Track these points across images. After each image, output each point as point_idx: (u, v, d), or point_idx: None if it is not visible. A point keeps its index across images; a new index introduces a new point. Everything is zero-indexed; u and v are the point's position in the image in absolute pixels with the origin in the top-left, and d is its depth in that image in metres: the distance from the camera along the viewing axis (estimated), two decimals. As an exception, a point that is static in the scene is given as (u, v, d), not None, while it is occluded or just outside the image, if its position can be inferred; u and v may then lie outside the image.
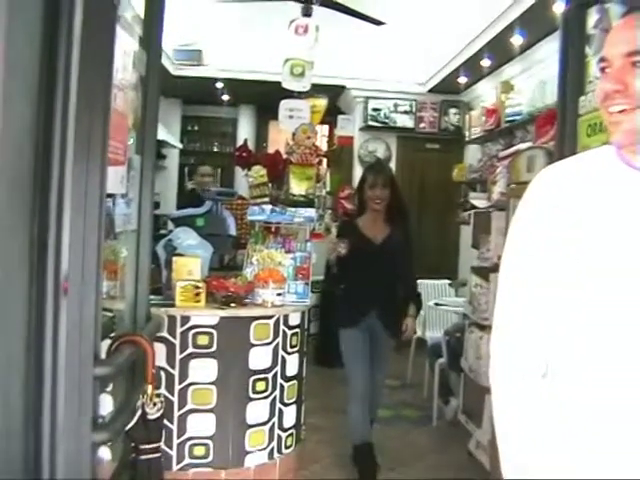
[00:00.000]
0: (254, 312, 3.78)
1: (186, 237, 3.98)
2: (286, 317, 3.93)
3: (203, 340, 3.63)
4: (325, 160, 6.89)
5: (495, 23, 5.73)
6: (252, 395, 3.74)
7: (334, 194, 8.28)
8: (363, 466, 4.02)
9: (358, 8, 5.55)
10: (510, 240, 1.59)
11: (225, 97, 9.33)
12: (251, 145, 9.72)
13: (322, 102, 5.54)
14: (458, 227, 8.38)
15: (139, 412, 1.99)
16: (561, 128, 2.86)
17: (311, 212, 4.57)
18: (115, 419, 1.87)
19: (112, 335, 2.09)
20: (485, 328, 4.40)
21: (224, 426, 3.67)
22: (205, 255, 3.99)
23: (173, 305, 3.59)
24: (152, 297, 2.88)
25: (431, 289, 6.70)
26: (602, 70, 1.41)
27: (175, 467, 3.59)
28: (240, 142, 9.58)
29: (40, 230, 1.61)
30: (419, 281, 5.08)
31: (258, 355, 3.77)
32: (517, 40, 5.67)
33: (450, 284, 6.84)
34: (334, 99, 8.27)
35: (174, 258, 3.79)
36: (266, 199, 4.59)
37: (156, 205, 4.76)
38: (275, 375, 3.85)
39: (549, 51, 5.59)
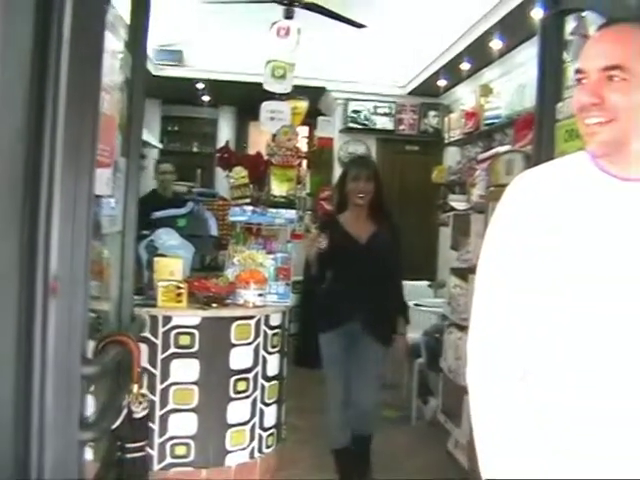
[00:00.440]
0: (235, 312, 3.82)
1: (168, 238, 4.00)
2: (267, 317, 3.96)
3: (185, 340, 3.66)
4: (305, 161, 6.92)
5: (475, 27, 5.79)
6: (233, 395, 3.77)
7: (314, 195, 8.33)
8: (344, 470, 3.95)
9: (339, 11, 5.58)
10: (487, 243, 1.63)
11: (206, 98, 9.33)
12: (231, 146, 9.72)
13: (303, 104, 5.56)
14: (437, 229, 8.44)
15: (125, 411, 2.01)
16: (539, 133, 2.92)
17: (292, 213, 4.62)
18: (102, 418, 1.89)
19: (98, 335, 2.11)
20: (464, 329, 4.46)
21: (205, 426, 3.69)
22: (187, 256, 4.02)
23: (155, 305, 3.61)
24: (134, 297, 2.90)
25: (410, 290, 6.74)
26: (578, 81, 1.46)
27: (156, 467, 3.61)
28: (220, 143, 9.59)
29: (30, 232, 1.63)
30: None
31: (239, 355, 3.81)
32: (496, 44, 5.73)
33: (429, 285, 6.90)
34: (314, 101, 8.29)
35: (156, 259, 3.81)
36: (247, 200, 4.61)
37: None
38: (256, 375, 3.89)
39: (528, 55, 5.66)
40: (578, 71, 1.46)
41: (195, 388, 3.67)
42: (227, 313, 3.77)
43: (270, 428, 4.01)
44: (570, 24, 2.91)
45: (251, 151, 8.64)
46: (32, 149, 1.66)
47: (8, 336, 1.50)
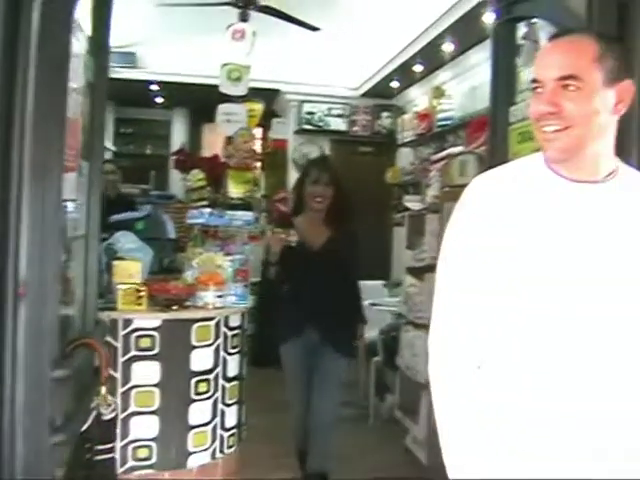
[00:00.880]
0: (196, 314, 3.82)
1: (126, 241, 3.99)
2: (227, 319, 3.98)
3: (145, 343, 3.65)
4: (259, 163, 6.96)
5: (427, 31, 5.92)
6: (194, 396, 3.78)
7: (269, 197, 8.36)
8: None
9: (294, 14, 5.64)
10: (445, 244, 1.69)
11: (159, 100, 9.30)
12: (186, 147, 9.70)
13: (259, 106, 5.61)
14: (391, 229, 8.56)
15: (94, 413, 2.03)
16: (492, 135, 3.01)
17: (249, 215, 4.65)
18: (71, 421, 1.91)
19: (64, 339, 2.12)
20: (420, 327, 4.55)
21: (167, 428, 3.70)
22: (145, 259, 4.01)
23: (115, 308, 3.60)
24: (95, 301, 2.90)
25: (366, 290, 6.82)
26: (534, 90, 1.54)
27: (119, 470, 3.59)
28: (174, 145, 9.57)
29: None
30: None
31: (200, 356, 3.81)
32: (448, 47, 5.87)
33: (384, 285, 6.99)
34: (268, 102, 8.34)
35: (115, 262, 3.79)
36: (205, 202, 4.63)
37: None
38: (217, 376, 3.90)
39: (479, 58, 5.81)
40: (534, 81, 1.53)
41: (156, 390, 3.67)
42: (187, 315, 3.78)
43: (231, 428, 4.03)
44: (521, 29, 3.01)
45: (205, 153, 8.65)
46: (0, 154, 1.68)
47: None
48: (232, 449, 4.04)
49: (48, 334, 1.78)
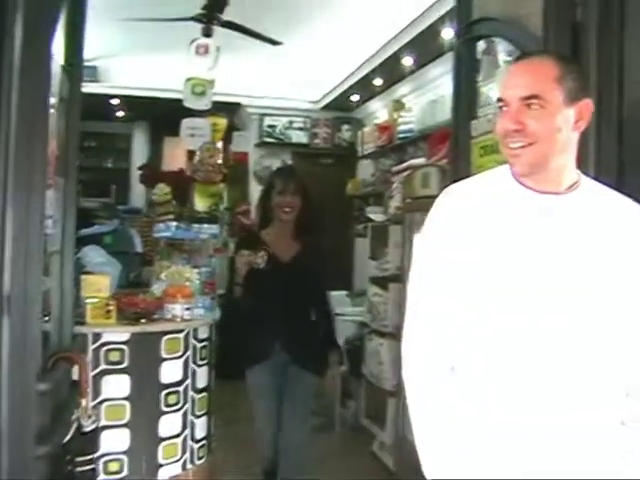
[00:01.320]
0: (165, 327, 3.85)
1: (94, 255, 4.01)
2: (195, 331, 4.01)
3: (115, 356, 3.67)
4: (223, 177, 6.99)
5: (387, 46, 6.04)
6: (164, 408, 3.81)
7: (231, 210, 8.40)
8: None
9: (256, 29, 5.71)
10: (416, 254, 1.78)
11: (120, 113, 9.28)
12: (146, 160, 9.70)
13: (223, 121, 5.67)
14: (353, 239, 8.66)
15: (74, 425, 2.06)
16: (455, 149, 3.12)
17: (215, 228, 4.70)
18: (54, 433, 1.94)
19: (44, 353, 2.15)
20: (385, 335, 4.65)
21: (138, 440, 3.71)
22: (114, 273, 4.03)
23: (84, 323, 3.61)
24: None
25: (330, 300, 6.90)
26: (500, 109, 1.63)
27: (90, 484, 3.61)
28: (135, 158, 9.55)
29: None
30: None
31: (169, 369, 3.84)
32: (408, 62, 6.00)
33: (347, 295, 7.06)
34: (230, 116, 8.40)
35: (83, 276, 3.80)
36: (171, 216, 4.67)
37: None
38: (186, 388, 3.93)
39: (438, 72, 5.96)
40: (500, 100, 1.63)
41: (127, 404, 3.68)
42: (156, 328, 3.81)
43: (201, 440, 4.06)
44: (481, 44, 3.12)
45: (166, 166, 8.66)
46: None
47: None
48: (202, 460, 4.07)
49: (32, 348, 1.81)
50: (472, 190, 1.72)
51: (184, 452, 3.91)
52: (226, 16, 5.51)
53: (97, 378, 3.62)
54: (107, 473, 3.64)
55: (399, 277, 4.38)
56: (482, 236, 1.63)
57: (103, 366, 3.63)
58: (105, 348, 3.64)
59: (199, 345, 4.03)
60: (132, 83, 7.93)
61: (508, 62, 2.79)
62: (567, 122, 1.59)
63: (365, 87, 7.40)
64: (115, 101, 8.60)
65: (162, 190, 4.68)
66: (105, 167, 10.50)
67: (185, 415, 3.92)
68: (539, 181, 1.63)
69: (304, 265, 3.54)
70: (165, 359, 3.82)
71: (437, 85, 6.09)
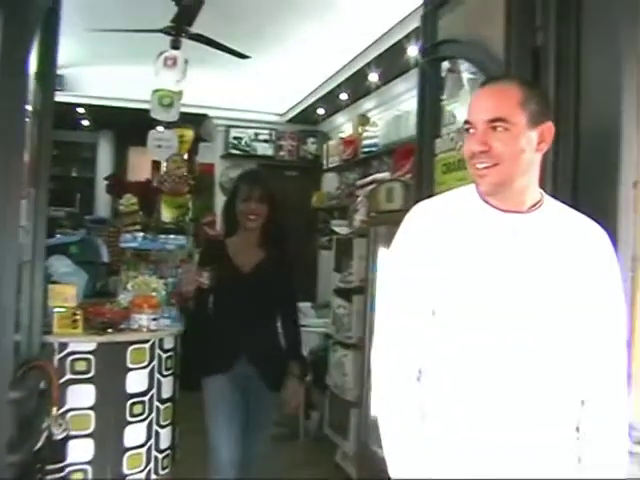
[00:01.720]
0: (131, 337, 3.86)
1: (60, 265, 4.01)
2: (161, 341, 4.03)
3: (81, 366, 3.66)
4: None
5: (354, 61, 6.14)
6: (130, 418, 3.81)
7: (196, 221, 8.40)
8: None
9: (224, 41, 5.76)
10: (385, 271, 1.86)
11: (85, 122, 9.25)
12: (111, 170, 9.66)
13: (190, 132, 5.69)
14: (317, 252, 8.72)
15: (45, 433, 2.08)
16: (419, 166, 3.21)
17: (182, 239, 4.73)
18: (25, 440, 1.96)
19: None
20: (349, 346, 4.72)
21: (103, 450, 3.71)
22: (80, 282, 4.03)
23: (50, 332, 3.61)
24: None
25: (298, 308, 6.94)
26: (467, 131, 1.71)
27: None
28: (100, 167, 9.51)
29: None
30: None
31: (135, 379, 3.85)
32: (373, 77, 6.11)
33: (312, 306, 7.12)
34: (196, 127, 8.43)
35: (50, 286, 3.80)
36: (138, 227, 4.68)
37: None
38: (151, 398, 3.94)
39: (403, 89, 6.08)
40: (467, 122, 1.71)
41: (92, 413, 3.67)
42: (123, 338, 3.81)
43: (165, 450, 4.07)
44: (445, 63, 3.22)
45: (131, 176, 8.65)
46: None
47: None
48: (166, 470, 4.08)
49: (5, 357, 1.84)
50: (439, 208, 1.79)
51: (148, 462, 3.92)
52: (195, 29, 5.55)
53: (62, 387, 3.60)
54: (71, 483, 3.64)
55: (363, 289, 4.46)
56: (448, 254, 1.69)
57: (69, 376, 3.63)
58: (71, 358, 3.64)
59: (164, 355, 4.05)
60: (98, 92, 7.93)
61: (472, 80, 2.89)
62: (530, 144, 1.67)
63: (331, 101, 7.49)
64: (81, 110, 8.57)
65: (129, 200, 4.70)
66: (70, 176, 10.42)
67: (150, 425, 3.93)
68: (503, 200, 1.71)
69: (269, 273, 3.39)
70: (131, 369, 3.83)
71: (402, 101, 6.20)
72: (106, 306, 3.98)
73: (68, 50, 6.55)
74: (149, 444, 3.93)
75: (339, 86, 6.82)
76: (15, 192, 1.84)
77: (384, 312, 1.81)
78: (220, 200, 8.44)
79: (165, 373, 4.06)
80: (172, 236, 4.66)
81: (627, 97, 2.02)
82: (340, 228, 5.65)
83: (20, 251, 2.48)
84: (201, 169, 8.99)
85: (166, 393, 4.08)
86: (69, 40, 6.17)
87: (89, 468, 3.68)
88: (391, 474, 1.72)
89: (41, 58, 2.58)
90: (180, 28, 5.47)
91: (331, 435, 4.91)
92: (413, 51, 5.00)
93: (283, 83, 7.49)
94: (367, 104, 7.26)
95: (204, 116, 8.74)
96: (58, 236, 4.88)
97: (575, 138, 2.19)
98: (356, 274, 4.74)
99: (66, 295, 3.80)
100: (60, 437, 2.10)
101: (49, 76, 2.61)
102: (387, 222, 4.08)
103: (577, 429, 1.70)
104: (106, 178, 5.91)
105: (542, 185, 1.80)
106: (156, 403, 3.98)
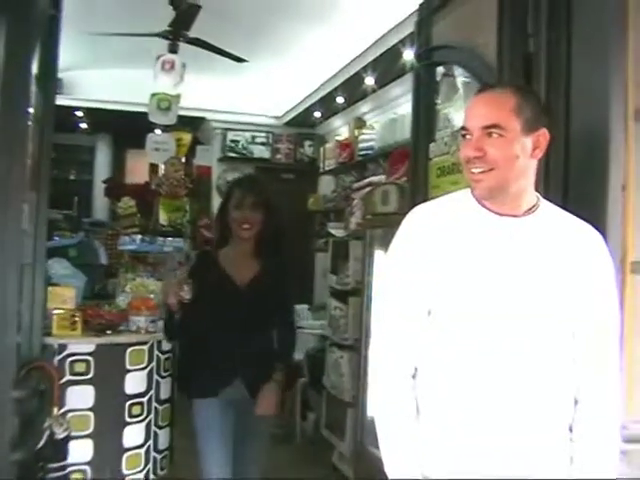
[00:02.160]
0: (129, 339, 3.91)
1: (60, 267, 4.06)
2: (159, 343, 4.07)
3: (80, 367, 3.71)
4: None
5: (350, 65, 6.19)
6: (128, 419, 3.85)
7: (193, 223, 8.45)
8: None
9: (222, 46, 5.81)
10: (383, 274, 1.90)
11: (83, 125, 9.29)
12: (109, 173, 9.70)
13: (187, 136, 5.76)
14: (313, 254, 8.75)
15: (47, 433, 2.12)
16: (414, 169, 3.25)
17: (179, 241, 4.78)
18: (27, 439, 2.01)
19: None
20: (345, 348, 4.75)
21: (102, 451, 3.75)
22: (79, 285, 4.08)
23: (50, 334, 3.65)
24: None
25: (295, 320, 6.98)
26: (463, 137, 1.75)
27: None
28: (98, 170, 9.55)
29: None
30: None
31: (134, 380, 3.89)
32: (370, 81, 6.16)
33: (309, 308, 7.15)
34: (193, 130, 8.48)
35: (49, 288, 3.84)
36: (136, 229, 4.73)
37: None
38: (150, 399, 3.98)
39: (399, 92, 6.13)
40: (463, 128, 1.75)
41: (91, 414, 3.72)
42: (121, 339, 3.86)
43: (164, 450, 4.11)
44: (440, 67, 3.26)
45: (129, 179, 8.69)
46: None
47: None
48: (164, 471, 4.12)
49: (9, 358, 1.87)
50: (436, 212, 1.83)
51: (147, 462, 3.96)
52: (192, 33, 5.60)
53: (62, 389, 3.65)
54: (71, 483, 3.68)
55: (359, 291, 4.49)
56: (444, 257, 1.73)
57: (68, 377, 3.67)
58: (70, 359, 3.69)
59: (162, 357, 4.09)
60: (97, 96, 7.97)
61: (467, 84, 2.93)
62: (524, 150, 1.70)
63: (327, 104, 7.54)
64: (79, 113, 8.62)
65: (127, 203, 4.75)
66: (68, 179, 10.45)
67: (148, 426, 3.97)
68: (499, 204, 1.74)
69: (266, 287, 3.11)
70: (129, 370, 3.87)
71: (397, 104, 6.25)
72: (105, 308, 4.03)
73: (66, 53, 6.57)
74: (148, 445, 3.97)
75: (335, 89, 6.86)
76: (17, 195, 1.88)
77: (381, 314, 1.85)
78: (217, 203, 8.47)
79: (163, 374, 4.10)
80: (170, 239, 4.71)
81: (615, 103, 2.07)
82: (336, 230, 5.68)
83: (21, 254, 2.53)
84: (198, 172, 9.04)
85: (164, 394, 4.12)
86: (68, 43, 6.18)
87: (88, 468, 3.72)
88: (388, 474, 1.75)
89: (42, 62, 2.62)
90: (178, 32, 5.53)
91: (328, 436, 4.94)
92: (409, 55, 5.04)
93: (280, 86, 7.55)
94: (363, 107, 7.31)
95: (202, 119, 8.79)
96: (56, 239, 4.90)
97: (565, 142, 2.24)
98: (352, 276, 4.77)
99: (65, 297, 3.85)
100: (61, 436, 2.13)
101: (50, 81, 2.65)
102: (383, 225, 4.13)
103: (570, 429, 1.74)
104: (105, 181, 5.96)
105: (535, 185, 1.83)
106: (155, 404, 4.02)
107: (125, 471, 3.84)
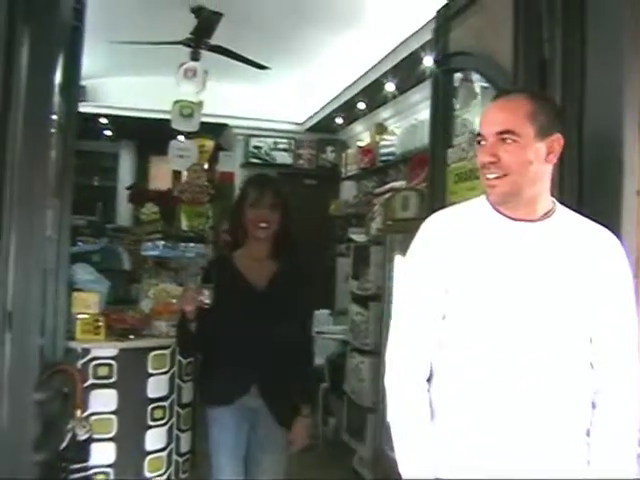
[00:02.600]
0: (152, 343, 3.96)
1: (84, 272, 4.11)
2: (181, 347, 4.12)
3: (103, 371, 3.76)
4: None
5: (371, 71, 6.23)
6: (151, 422, 3.89)
7: (215, 228, 8.51)
8: None
9: (243, 52, 5.87)
10: (400, 277, 1.93)
11: (107, 132, 9.41)
12: (132, 179, 9.80)
13: (210, 143, 5.82)
14: (335, 259, 8.77)
15: (70, 434, 2.17)
16: (432, 175, 3.28)
17: (201, 247, 4.83)
18: (49, 440, 2.05)
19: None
20: (365, 353, 4.77)
21: (124, 454, 3.79)
22: (102, 290, 4.13)
23: (74, 338, 3.71)
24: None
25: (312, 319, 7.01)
26: (479, 143, 1.77)
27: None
28: (122, 177, 9.65)
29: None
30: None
31: (156, 384, 3.93)
32: (390, 87, 6.19)
33: (330, 313, 7.17)
34: (216, 136, 8.55)
35: (74, 293, 3.90)
36: (158, 235, 4.79)
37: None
38: (172, 403, 4.02)
39: (419, 98, 6.14)
40: (478, 135, 1.78)
41: (114, 417, 3.76)
42: (144, 344, 3.91)
43: (186, 454, 4.15)
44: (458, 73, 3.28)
45: (152, 185, 8.77)
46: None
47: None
48: (186, 474, 4.16)
49: (31, 361, 1.92)
50: (453, 218, 1.86)
51: (169, 466, 4.00)
52: (214, 41, 5.66)
53: (85, 392, 3.70)
54: (94, 485, 3.73)
55: (380, 296, 4.51)
56: (460, 262, 1.75)
57: (92, 380, 3.72)
58: (94, 363, 3.74)
59: (184, 361, 4.13)
60: (120, 103, 8.07)
61: (485, 89, 2.95)
62: (538, 155, 1.72)
63: (349, 110, 7.57)
64: (103, 120, 8.73)
65: (150, 209, 4.81)
66: (92, 185, 10.56)
67: (171, 429, 4.02)
68: (514, 209, 1.77)
69: (285, 288, 2.99)
70: (152, 374, 3.92)
71: (418, 110, 6.26)
72: (128, 313, 4.08)
73: (90, 61, 6.68)
74: (170, 448, 4.01)
75: (357, 95, 6.90)
76: (41, 202, 1.93)
77: (397, 318, 1.87)
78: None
79: (185, 379, 4.14)
80: (192, 244, 4.75)
81: (629, 109, 2.08)
82: (357, 236, 5.71)
83: (45, 259, 2.59)
84: (221, 178, 9.09)
85: (186, 398, 4.16)
86: (91, 52, 6.29)
87: (111, 471, 3.76)
88: (402, 474, 1.78)
89: (65, 72, 2.68)
90: (200, 40, 5.59)
91: (348, 440, 4.97)
92: (429, 61, 5.05)
93: (302, 93, 7.60)
94: (384, 113, 7.33)
95: (224, 126, 8.85)
96: (80, 244, 4.97)
97: (579, 148, 2.26)
98: (373, 281, 4.79)
99: (89, 302, 3.90)
100: (84, 438, 2.18)
101: (73, 90, 2.72)
102: (402, 230, 4.14)
103: (587, 434, 1.75)
104: (128, 188, 6.04)
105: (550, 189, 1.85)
106: (176, 408, 4.06)
107: (147, 474, 3.88)
